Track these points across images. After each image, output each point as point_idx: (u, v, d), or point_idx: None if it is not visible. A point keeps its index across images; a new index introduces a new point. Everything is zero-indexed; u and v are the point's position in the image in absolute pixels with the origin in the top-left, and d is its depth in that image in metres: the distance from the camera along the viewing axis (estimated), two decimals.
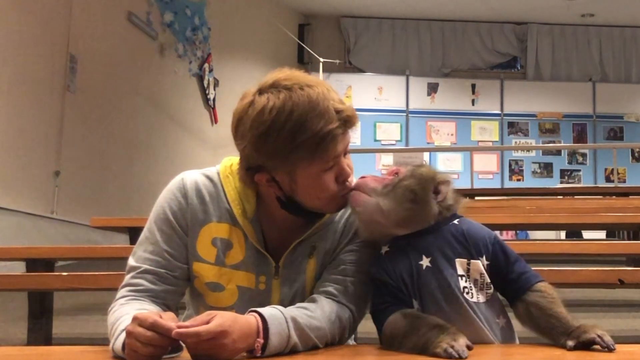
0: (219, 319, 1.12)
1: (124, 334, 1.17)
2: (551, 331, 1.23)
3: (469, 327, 1.24)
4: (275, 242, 1.40)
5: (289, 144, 1.25)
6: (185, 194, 1.40)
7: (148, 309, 1.29)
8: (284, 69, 1.33)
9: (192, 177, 1.42)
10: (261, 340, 1.16)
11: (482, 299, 1.28)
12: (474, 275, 1.28)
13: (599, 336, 1.16)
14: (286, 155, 1.27)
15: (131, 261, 1.39)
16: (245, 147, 1.30)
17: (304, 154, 1.26)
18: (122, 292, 1.36)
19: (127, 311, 1.27)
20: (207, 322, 1.11)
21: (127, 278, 1.37)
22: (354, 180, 1.37)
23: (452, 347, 1.12)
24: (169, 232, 1.38)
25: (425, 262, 1.27)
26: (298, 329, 1.22)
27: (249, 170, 1.34)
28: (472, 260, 1.28)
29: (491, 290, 1.29)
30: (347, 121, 1.30)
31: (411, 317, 1.22)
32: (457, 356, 1.10)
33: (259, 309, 1.21)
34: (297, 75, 1.32)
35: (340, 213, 1.43)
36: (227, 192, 1.40)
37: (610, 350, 1.15)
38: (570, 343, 1.18)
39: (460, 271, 1.27)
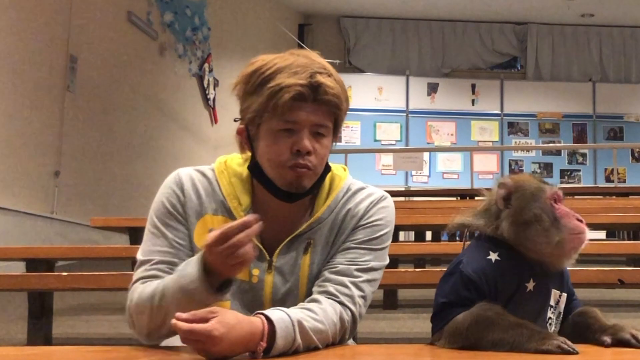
0: (217, 322, 1.11)
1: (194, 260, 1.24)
2: (587, 329, 1.26)
3: None
4: (270, 237, 1.40)
5: (258, 89, 1.34)
6: (181, 187, 1.42)
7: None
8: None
9: (186, 172, 1.46)
10: (264, 344, 1.15)
11: (555, 331, 1.29)
12: (560, 308, 1.30)
13: (633, 336, 1.19)
14: (253, 100, 1.34)
15: (140, 256, 1.39)
16: (235, 88, 1.39)
17: (263, 102, 1.32)
18: (134, 287, 1.35)
19: (163, 280, 1.31)
20: (207, 320, 1.11)
21: (140, 272, 1.37)
22: (314, 163, 1.35)
23: (565, 342, 1.13)
24: (172, 223, 1.39)
25: (530, 285, 1.26)
26: (303, 332, 1.21)
27: (236, 121, 1.42)
28: (562, 293, 1.30)
29: (560, 324, 1.31)
30: (316, 88, 1.32)
31: (498, 311, 1.20)
32: (574, 351, 1.11)
33: (266, 312, 1.20)
34: (306, 51, 1.40)
35: (336, 209, 1.42)
36: (222, 186, 1.42)
37: None
38: (606, 338, 1.20)
39: (552, 302, 1.28)
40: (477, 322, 1.19)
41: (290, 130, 1.33)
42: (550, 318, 1.28)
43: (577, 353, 1.11)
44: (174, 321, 1.10)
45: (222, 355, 1.12)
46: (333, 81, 1.35)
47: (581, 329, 1.27)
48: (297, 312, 1.24)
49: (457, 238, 1.41)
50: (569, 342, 1.13)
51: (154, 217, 1.41)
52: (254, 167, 1.40)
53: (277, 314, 1.20)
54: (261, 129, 1.36)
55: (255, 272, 1.39)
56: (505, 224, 1.28)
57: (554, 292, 1.29)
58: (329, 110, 1.35)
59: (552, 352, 1.12)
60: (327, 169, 1.44)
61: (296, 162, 1.34)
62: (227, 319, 1.13)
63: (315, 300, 1.32)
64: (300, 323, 1.21)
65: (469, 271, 1.25)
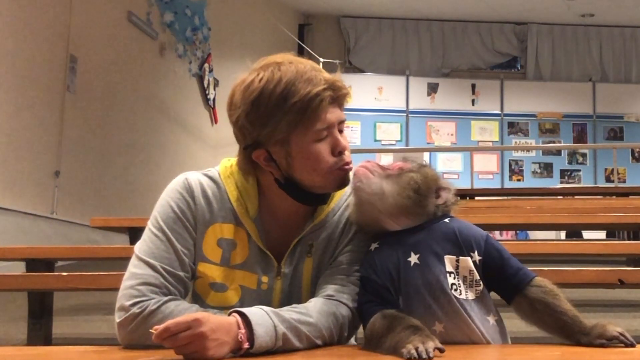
0: (196, 323, 1.12)
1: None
2: (563, 329, 1.24)
3: (458, 325, 1.25)
4: (277, 242, 1.40)
5: (279, 108, 1.29)
6: (192, 193, 1.39)
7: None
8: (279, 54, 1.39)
9: (195, 177, 1.42)
10: (244, 331, 1.16)
11: (471, 296, 1.27)
12: (463, 272, 1.27)
13: (620, 334, 1.18)
14: (278, 121, 1.30)
15: (141, 254, 1.34)
16: (239, 118, 1.32)
17: (294, 118, 1.29)
18: (145, 290, 1.30)
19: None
20: (188, 327, 1.12)
21: (142, 273, 1.31)
22: (350, 157, 1.38)
23: (417, 348, 1.09)
24: (180, 230, 1.36)
25: (413, 258, 1.27)
26: (284, 321, 1.22)
27: (246, 149, 1.35)
28: (461, 257, 1.28)
29: (481, 288, 1.28)
30: (335, 88, 1.33)
31: (390, 317, 1.22)
32: (419, 358, 1.08)
33: (237, 309, 1.22)
34: (289, 56, 1.38)
35: (339, 212, 1.43)
36: (229, 191, 1.40)
37: (633, 346, 1.18)
38: (598, 341, 1.19)
39: (449, 268, 1.27)
40: (370, 338, 1.24)
41: (323, 138, 1.34)
42: (454, 284, 1.26)
43: (428, 358, 1.07)
44: (152, 331, 1.12)
45: (212, 348, 1.12)
46: (337, 76, 1.37)
47: (551, 326, 1.25)
48: (276, 309, 1.25)
49: None
50: (420, 347, 1.09)
51: (159, 220, 1.37)
52: (288, 185, 1.37)
53: (248, 309, 1.21)
54: (293, 145, 1.32)
55: (265, 279, 1.39)
56: None
57: (449, 258, 1.27)
58: (343, 105, 1.38)
59: (403, 356, 1.10)
60: None
61: (343, 163, 1.36)
62: (209, 317, 1.15)
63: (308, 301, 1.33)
64: (274, 312, 1.22)
65: (360, 270, 1.34)
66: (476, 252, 1.29)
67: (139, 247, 1.36)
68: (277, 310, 1.24)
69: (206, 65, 8.52)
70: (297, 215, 1.41)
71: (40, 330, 2.77)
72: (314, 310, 1.28)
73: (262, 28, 9.58)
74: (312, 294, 1.38)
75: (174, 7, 7.81)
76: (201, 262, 1.38)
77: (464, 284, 1.27)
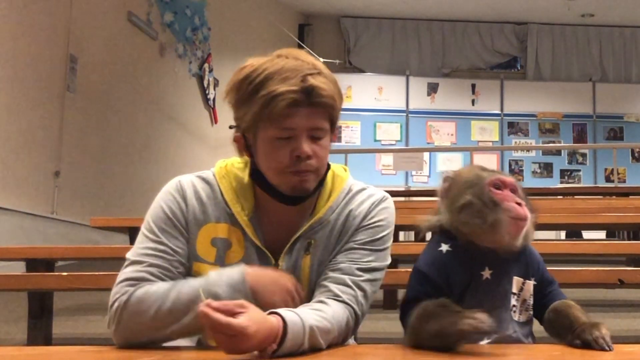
0: (249, 319, 1.10)
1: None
2: (561, 330, 1.25)
3: (504, 342, 1.25)
4: (274, 241, 1.40)
5: (250, 98, 1.32)
6: (183, 195, 1.40)
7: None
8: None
9: (188, 179, 1.43)
10: (275, 346, 1.15)
11: (523, 319, 1.29)
12: (524, 296, 1.29)
13: (594, 339, 1.16)
14: (247, 109, 1.32)
15: (130, 256, 1.36)
16: (229, 99, 1.37)
17: (258, 111, 1.31)
18: (122, 286, 1.33)
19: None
20: (235, 313, 1.10)
21: (127, 272, 1.34)
22: (315, 165, 1.35)
23: (481, 320, 1.11)
24: (170, 230, 1.37)
25: (486, 273, 1.26)
26: (312, 337, 1.21)
27: (231, 128, 1.40)
28: (527, 281, 1.29)
29: (531, 313, 1.30)
30: (310, 92, 1.30)
31: (442, 304, 1.20)
32: (485, 329, 1.10)
33: (281, 312, 1.19)
34: (294, 51, 1.38)
35: (337, 210, 1.42)
36: (224, 192, 1.41)
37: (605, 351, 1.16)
38: (577, 341, 1.19)
39: (514, 289, 1.28)
40: (419, 317, 1.20)
41: (289, 137, 1.32)
42: (514, 306, 1.27)
43: (494, 333, 1.10)
44: (204, 309, 1.08)
45: (246, 352, 1.12)
46: (325, 81, 1.33)
47: (556, 327, 1.26)
48: (309, 315, 1.23)
49: None
50: (483, 318, 1.11)
51: (150, 222, 1.39)
52: (255, 174, 1.39)
53: (291, 317, 1.19)
54: (258, 137, 1.34)
55: None
56: (444, 213, 1.29)
57: (516, 280, 1.28)
58: (324, 111, 1.34)
59: (467, 332, 1.11)
60: (327, 167, 1.43)
61: (298, 168, 1.33)
62: (256, 316, 1.12)
63: (322, 302, 1.31)
64: (312, 329, 1.21)
65: (422, 265, 1.27)
66: (534, 278, 1.30)
67: (130, 251, 1.38)
68: (312, 322, 1.21)
69: (206, 65, 8.52)
70: (292, 213, 1.40)
71: (40, 330, 2.77)
72: (336, 321, 1.27)
73: (262, 28, 9.58)
74: (312, 291, 1.38)
75: (174, 7, 7.81)
76: (195, 262, 1.38)
77: (521, 307, 1.28)
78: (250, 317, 1.11)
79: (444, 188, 1.31)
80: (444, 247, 1.28)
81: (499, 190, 1.25)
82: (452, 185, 1.30)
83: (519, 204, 1.23)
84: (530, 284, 1.29)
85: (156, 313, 1.27)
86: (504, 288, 1.26)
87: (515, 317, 1.27)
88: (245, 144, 1.38)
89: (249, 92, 1.32)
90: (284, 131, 1.32)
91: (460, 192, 1.27)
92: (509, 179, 1.27)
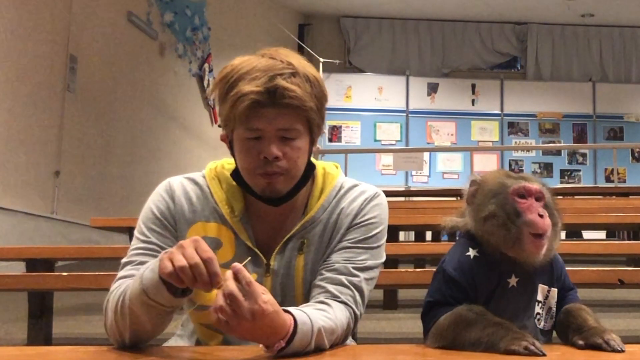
0: (270, 299, 1.10)
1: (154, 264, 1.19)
2: (566, 330, 1.24)
3: None
4: (265, 241, 1.40)
5: (223, 96, 1.32)
6: (172, 195, 1.41)
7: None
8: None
9: (178, 180, 1.45)
10: (283, 343, 1.14)
11: (547, 326, 1.29)
12: (549, 304, 1.29)
13: (605, 341, 1.16)
14: (222, 108, 1.33)
15: (124, 258, 1.39)
16: (213, 96, 1.38)
17: (228, 111, 1.31)
18: (112, 288, 1.33)
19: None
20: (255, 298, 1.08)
21: (120, 274, 1.36)
22: (286, 167, 1.33)
23: (534, 344, 1.11)
24: (158, 229, 1.39)
25: (512, 281, 1.25)
26: (319, 337, 1.21)
27: (220, 126, 1.41)
28: (552, 289, 1.29)
29: (554, 320, 1.30)
30: (273, 92, 1.28)
31: (478, 311, 1.20)
32: (541, 353, 1.10)
33: (293, 311, 1.18)
34: (279, 50, 1.38)
35: (329, 208, 1.41)
36: (214, 193, 1.41)
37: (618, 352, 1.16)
38: (580, 342, 1.19)
39: (539, 297, 1.28)
40: (456, 323, 1.19)
41: (257, 137, 1.31)
42: (538, 313, 1.27)
43: (543, 355, 1.10)
44: (229, 274, 1.08)
45: (249, 335, 1.11)
46: (298, 81, 1.30)
47: (563, 328, 1.26)
48: (316, 315, 1.22)
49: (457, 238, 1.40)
50: (537, 344, 1.12)
51: (140, 223, 1.41)
52: (235, 173, 1.40)
53: (301, 317, 1.18)
54: (234, 137, 1.35)
55: (254, 276, 1.38)
56: (470, 220, 1.28)
57: (542, 287, 1.28)
58: (293, 112, 1.31)
59: (519, 353, 1.11)
60: (311, 168, 1.41)
61: (266, 170, 1.32)
62: (276, 304, 1.12)
63: (324, 303, 1.31)
64: (319, 331, 1.20)
65: (449, 269, 1.26)
66: (557, 284, 1.31)
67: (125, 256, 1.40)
68: (320, 324, 1.21)
69: (206, 65, 8.52)
70: (283, 213, 1.40)
71: (40, 330, 2.77)
72: (338, 319, 1.27)
73: (262, 28, 9.58)
74: (307, 291, 1.38)
75: (174, 7, 7.82)
76: None
77: (546, 315, 1.28)
78: (274, 303, 1.11)
79: (470, 193, 1.30)
80: (472, 252, 1.27)
81: (523, 199, 1.24)
82: (479, 191, 1.29)
83: (541, 215, 1.22)
84: (555, 291, 1.29)
85: (115, 312, 1.26)
86: (529, 296, 1.26)
87: (540, 324, 1.27)
88: (229, 142, 1.39)
89: (225, 92, 1.32)
90: (252, 132, 1.31)
91: (485, 201, 1.26)
92: (535, 186, 1.25)
